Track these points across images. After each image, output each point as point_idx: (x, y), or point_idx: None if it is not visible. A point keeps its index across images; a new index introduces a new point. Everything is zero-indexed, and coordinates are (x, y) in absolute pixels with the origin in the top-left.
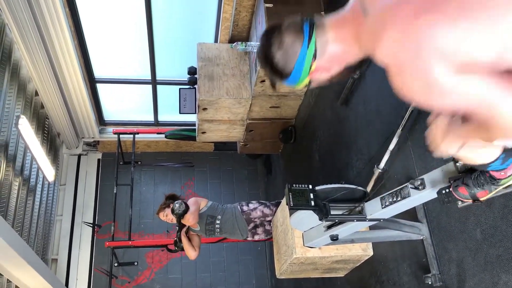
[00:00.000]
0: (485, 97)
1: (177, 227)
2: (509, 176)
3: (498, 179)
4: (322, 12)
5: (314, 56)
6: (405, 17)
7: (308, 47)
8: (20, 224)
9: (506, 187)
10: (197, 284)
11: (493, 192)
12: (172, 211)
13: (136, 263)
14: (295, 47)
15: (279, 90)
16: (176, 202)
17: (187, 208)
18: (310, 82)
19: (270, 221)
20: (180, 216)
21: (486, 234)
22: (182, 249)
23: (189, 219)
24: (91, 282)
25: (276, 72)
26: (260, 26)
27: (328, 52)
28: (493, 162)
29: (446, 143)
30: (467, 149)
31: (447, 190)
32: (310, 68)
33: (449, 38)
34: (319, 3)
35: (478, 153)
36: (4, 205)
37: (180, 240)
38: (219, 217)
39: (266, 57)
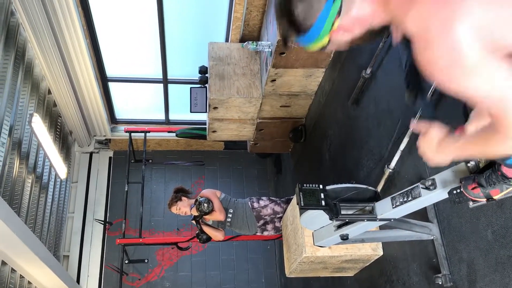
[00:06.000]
0: (507, 91)
1: (195, 222)
2: None
3: (510, 178)
4: None
5: (339, 13)
6: None
7: (333, 2)
8: (32, 221)
9: None
10: (207, 281)
11: (505, 192)
12: (201, 210)
13: (146, 261)
14: (320, 5)
15: (291, 48)
16: (203, 201)
17: (213, 205)
18: (328, 43)
19: (280, 218)
20: (206, 214)
21: (497, 234)
22: (207, 240)
23: (219, 216)
24: (102, 279)
25: (294, 25)
26: (271, 25)
27: (353, 11)
28: None
29: (441, 155)
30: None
31: (458, 190)
32: (332, 25)
33: (491, 14)
34: None
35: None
36: (17, 201)
37: (203, 231)
38: (231, 210)
39: (285, 7)
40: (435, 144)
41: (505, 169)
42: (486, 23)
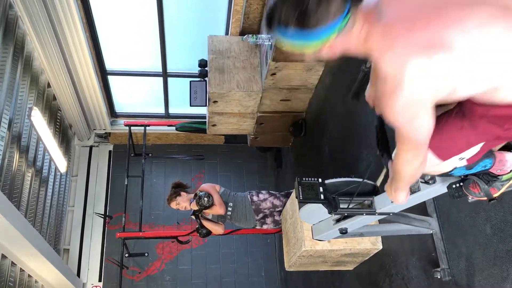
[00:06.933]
0: (420, 134)
1: (195, 216)
2: (509, 172)
3: (498, 175)
4: None
5: (339, 31)
6: (413, 45)
7: (341, 21)
8: (32, 215)
9: None
10: (207, 275)
11: (502, 189)
12: (201, 205)
13: (146, 254)
14: (334, 16)
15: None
16: (203, 195)
17: (213, 199)
18: (313, 52)
19: (279, 211)
20: (206, 208)
21: (496, 229)
22: (207, 234)
23: (219, 210)
24: (102, 272)
25: (300, 18)
26: None
27: (345, 37)
28: (452, 170)
29: (394, 194)
30: (427, 169)
31: (458, 185)
32: (328, 39)
33: (441, 73)
34: None
35: (433, 169)
36: (17, 195)
37: (202, 225)
38: (231, 204)
39: (304, 3)
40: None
41: (492, 168)
42: (437, 83)
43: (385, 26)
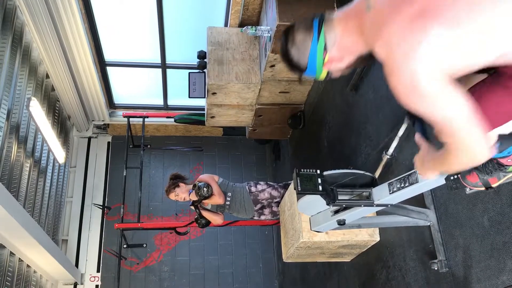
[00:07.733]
0: (455, 118)
1: (194, 207)
2: None
3: (506, 165)
4: (335, 6)
5: (325, 49)
6: (402, 20)
7: (318, 41)
8: (31, 205)
9: None
10: (205, 266)
11: (502, 180)
12: (200, 195)
13: (145, 245)
14: (306, 43)
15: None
16: (202, 185)
17: (212, 189)
18: (328, 73)
19: (277, 202)
20: (206, 198)
21: (493, 221)
22: (206, 225)
23: (218, 200)
24: (101, 263)
25: (293, 66)
26: (271, 10)
27: (337, 44)
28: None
29: (426, 170)
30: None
31: (455, 177)
32: (324, 60)
33: (441, 45)
34: None
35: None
36: (15, 186)
37: (202, 216)
38: (229, 194)
39: (284, 54)
40: (422, 160)
41: (500, 158)
42: (439, 57)
43: (374, 13)
